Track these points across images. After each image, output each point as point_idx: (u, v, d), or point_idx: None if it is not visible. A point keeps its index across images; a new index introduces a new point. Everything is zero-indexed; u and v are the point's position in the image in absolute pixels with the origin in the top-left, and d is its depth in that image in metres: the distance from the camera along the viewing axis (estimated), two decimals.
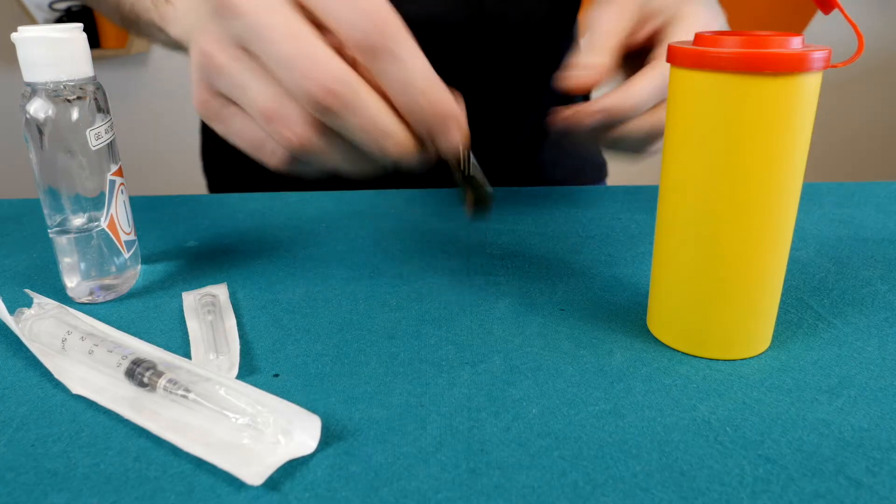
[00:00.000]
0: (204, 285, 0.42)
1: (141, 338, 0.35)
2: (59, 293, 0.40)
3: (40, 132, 0.36)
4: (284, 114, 0.31)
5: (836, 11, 0.32)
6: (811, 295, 0.40)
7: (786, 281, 0.42)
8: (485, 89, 0.49)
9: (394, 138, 0.31)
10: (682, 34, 0.44)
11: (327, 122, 0.31)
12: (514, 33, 0.61)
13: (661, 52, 0.45)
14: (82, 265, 0.39)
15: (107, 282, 0.40)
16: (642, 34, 0.46)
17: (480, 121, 0.46)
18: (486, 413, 0.29)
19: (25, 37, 0.35)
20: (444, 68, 0.61)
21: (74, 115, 0.37)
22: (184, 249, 0.48)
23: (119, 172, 0.40)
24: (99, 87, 0.38)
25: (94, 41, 2.14)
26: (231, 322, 0.37)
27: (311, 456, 0.27)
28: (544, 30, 0.62)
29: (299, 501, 0.25)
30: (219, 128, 0.34)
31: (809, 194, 0.59)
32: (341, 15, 0.29)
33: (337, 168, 0.34)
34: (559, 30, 0.63)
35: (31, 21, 2.09)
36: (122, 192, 0.40)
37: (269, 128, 0.32)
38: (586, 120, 0.43)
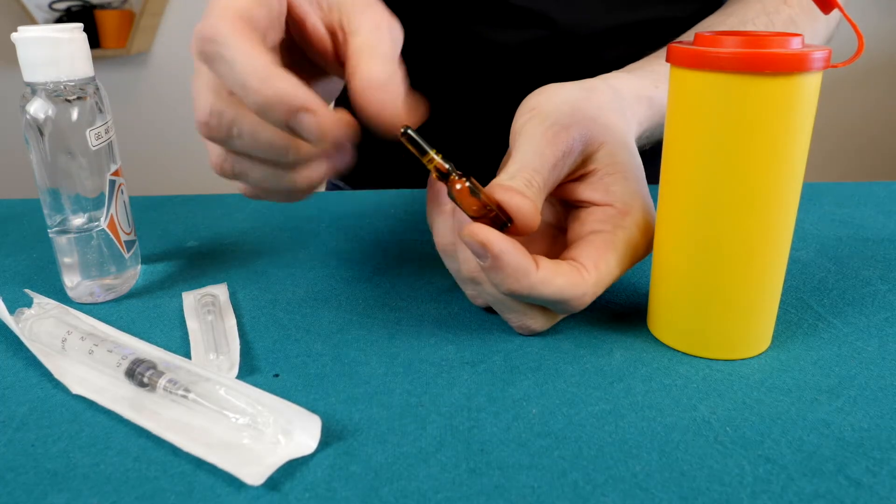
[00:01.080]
0: (204, 285, 0.42)
1: (141, 338, 0.35)
2: (59, 293, 0.40)
3: (40, 132, 0.36)
4: (207, 146, 0.33)
5: (835, 11, 0.32)
6: (811, 295, 0.40)
7: (786, 281, 0.42)
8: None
9: (287, 148, 0.31)
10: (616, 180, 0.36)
11: (228, 148, 0.33)
12: (584, 47, 0.61)
13: (587, 231, 0.35)
14: (82, 265, 0.39)
15: (107, 282, 0.40)
16: (578, 192, 0.37)
17: None
18: (486, 413, 0.29)
19: (25, 37, 0.35)
20: (491, 82, 0.61)
21: (74, 115, 0.37)
22: (184, 249, 0.48)
23: (119, 172, 0.40)
24: (98, 88, 0.38)
25: (94, 41, 2.14)
26: (231, 322, 0.37)
27: (311, 456, 0.27)
28: (606, 41, 0.61)
29: (299, 501, 0.25)
30: None
31: (809, 194, 0.59)
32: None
33: (267, 188, 0.34)
34: (619, 36, 0.62)
35: (31, 21, 2.09)
36: (122, 192, 0.40)
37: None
38: (469, 233, 0.31)
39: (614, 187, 0.36)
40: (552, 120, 0.35)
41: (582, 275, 0.33)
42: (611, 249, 0.34)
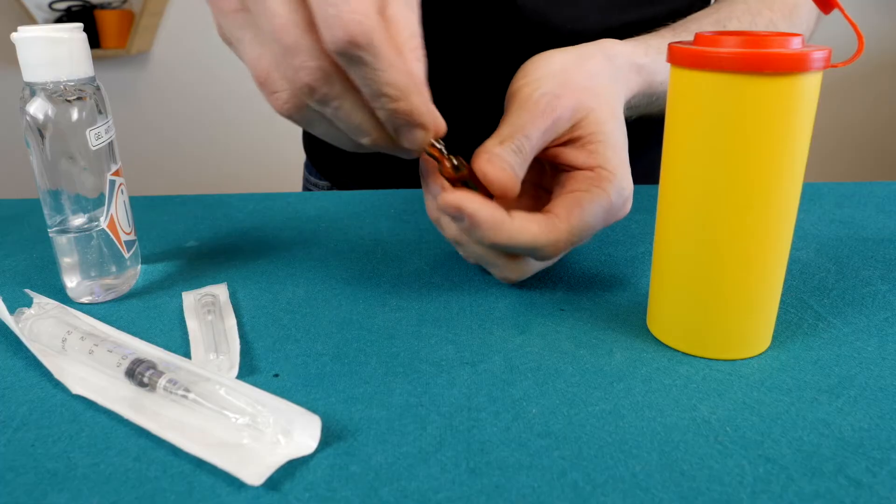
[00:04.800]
0: (204, 285, 0.42)
1: (141, 338, 0.35)
2: (59, 293, 0.40)
3: (40, 132, 0.36)
4: (274, 84, 0.33)
5: (836, 11, 0.32)
6: (811, 295, 0.40)
7: (786, 281, 0.42)
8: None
9: (368, 135, 0.33)
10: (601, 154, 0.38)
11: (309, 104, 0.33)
12: (558, 39, 0.61)
13: (565, 191, 0.38)
14: (82, 265, 0.39)
15: (107, 282, 0.40)
16: (565, 154, 0.39)
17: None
18: (486, 413, 0.29)
19: (25, 37, 0.35)
20: (481, 73, 0.62)
21: (74, 115, 0.37)
22: (184, 249, 0.48)
23: (119, 172, 0.40)
24: (99, 88, 0.38)
25: (94, 41, 2.14)
26: (231, 322, 0.37)
27: (311, 456, 0.27)
28: (594, 36, 0.61)
29: (299, 501, 0.25)
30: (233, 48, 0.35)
31: (809, 194, 0.59)
32: (325, 16, 0.30)
33: (329, 139, 0.36)
34: (611, 35, 0.62)
35: (31, 21, 2.09)
36: (122, 192, 0.40)
37: (259, 88, 0.34)
38: (444, 202, 0.35)
39: (596, 153, 0.38)
40: (545, 89, 0.38)
41: (555, 223, 0.36)
42: (585, 204, 0.37)
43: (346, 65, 0.30)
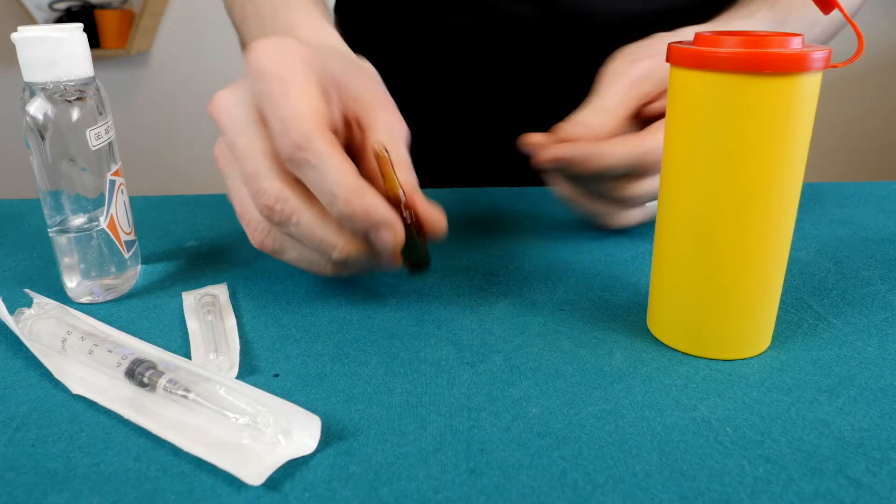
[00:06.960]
0: (204, 285, 0.42)
1: (141, 338, 0.35)
2: (59, 293, 0.40)
3: (40, 133, 0.36)
4: (247, 216, 0.36)
5: (835, 11, 0.32)
6: (811, 295, 0.40)
7: (786, 281, 0.42)
8: (552, 89, 0.53)
9: (334, 247, 0.34)
10: None
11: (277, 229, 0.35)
12: (597, 27, 0.61)
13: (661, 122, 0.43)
14: (82, 265, 0.39)
15: (107, 282, 0.40)
16: (657, 106, 0.45)
17: (545, 118, 0.51)
18: (486, 413, 0.29)
19: (25, 37, 0.35)
20: (513, 67, 0.62)
21: (74, 115, 0.37)
22: (184, 249, 0.48)
23: (119, 172, 0.40)
24: (99, 88, 0.38)
25: (94, 41, 2.14)
26: (231, 322, 0.37)
27: (311, 456, 0.27)
28: (638, 29, 0.61)
29: (299, 501, 0.25)
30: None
31: (809, 194, 0.59)
32: (272, 127, 0.33)
33: (306, 266, 0.37)
34: (655, 29, 0.62)
35: (31, 21, 2.09)
36: (122, 192, 0.40)
37: (241, 223, 0.37)
38: (542, 158, 0.42)
39: None
40: (628, 51, 0.45)
41: (649, 130, 0.42)
42: None
43: (296, 171, 0.32)
